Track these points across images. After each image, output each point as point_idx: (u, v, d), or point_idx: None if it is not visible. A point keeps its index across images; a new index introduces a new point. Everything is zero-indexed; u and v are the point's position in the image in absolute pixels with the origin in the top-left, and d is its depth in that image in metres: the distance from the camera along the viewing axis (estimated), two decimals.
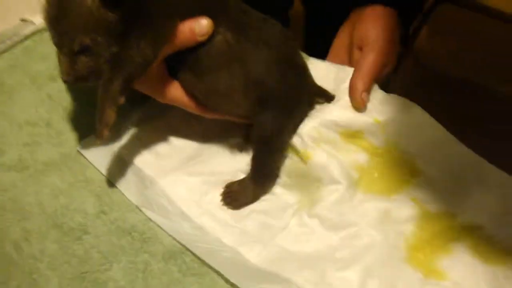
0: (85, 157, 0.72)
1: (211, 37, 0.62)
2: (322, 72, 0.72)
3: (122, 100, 0.59)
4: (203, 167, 0.71)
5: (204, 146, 0.73)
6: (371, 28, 0.74)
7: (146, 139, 0.74)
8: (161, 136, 0.74)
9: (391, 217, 0.66)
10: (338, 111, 0.69)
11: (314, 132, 0.68)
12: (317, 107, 0.71)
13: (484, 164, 0.69)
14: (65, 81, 0.60)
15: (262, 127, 0.66)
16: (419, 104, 0.71)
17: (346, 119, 0.68)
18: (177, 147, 0.73)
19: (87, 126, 0.76)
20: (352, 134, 0.69)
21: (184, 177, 0.69)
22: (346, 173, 0.68)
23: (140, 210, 0.67)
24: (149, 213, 0.66)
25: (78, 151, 0.73)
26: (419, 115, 0.70)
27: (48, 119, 0.78)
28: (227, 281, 0.60)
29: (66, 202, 0.68)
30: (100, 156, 0.72)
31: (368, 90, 0.69)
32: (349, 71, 0.71)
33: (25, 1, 1.04)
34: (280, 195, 0.69)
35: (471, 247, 0.63)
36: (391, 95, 0.72)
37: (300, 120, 0.69)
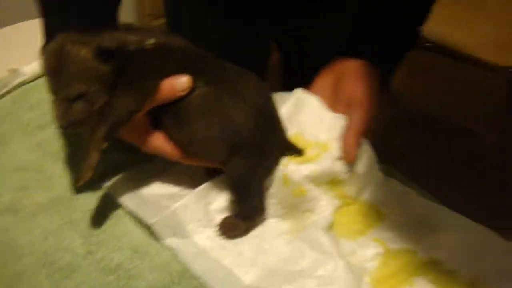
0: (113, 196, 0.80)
1: (191, 91, 0.70)
2: (317, 111, 0.81)
3: (104, 145, 0.67)
4: (207, 199, 0.78)
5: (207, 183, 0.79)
6: (359, 87, 0.81)
7: (164, 179, 0.83)
8: (177, 177, 0.83)
9: (357, 255, 0.74)
10: (332, 160, 0.76)
11: (311, 173, 0.75)
12: (311, 151, 0.77)
13: (445, 211, 0.80)
14: (60, 126, 0.67)
15: (233, 169, 0.74)
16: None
17: (337, 169, 0.77)
18: (189, 186, 0.81)
19: (75, 172, 0.84)
20: (336, 182, 0.78)
21: (192, 206, 0.76)
22: (330, 210, 0.77)
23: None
24: (158, 230, 0.74)
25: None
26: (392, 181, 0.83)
27: (39, 166, 0.85)
28: None
29: (55, 242, 0.74)
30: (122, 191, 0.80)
31: (357, 146, 0.77)
32: (342, 119, 0.80)
33: (12, 52, 1.14)
34: (274, 223, 0.78)
35: (433, 280, 0.71)
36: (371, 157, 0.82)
37: (273, 165, 0.76)
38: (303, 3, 1.02)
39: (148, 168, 0.85)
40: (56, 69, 0.65)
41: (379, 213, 0.80)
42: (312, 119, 0.81)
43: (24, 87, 1.01)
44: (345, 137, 0.77)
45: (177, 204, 0.75)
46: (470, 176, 1.91)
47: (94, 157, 0.67)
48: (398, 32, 0.87)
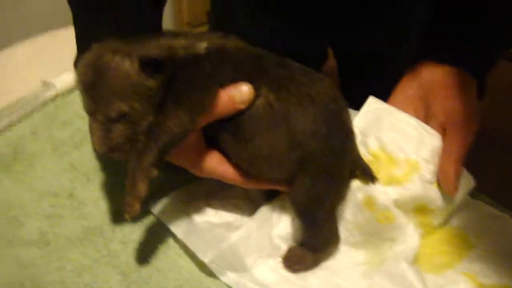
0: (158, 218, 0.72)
1: (252, 101, 0.61)
2: (403, 125, 0.69)
3: (155, 172, 0.57)
4: (270, 224, 0.70)
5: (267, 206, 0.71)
6: (457, 104, 0.69)
7: (216, 204, 0.74)
8: (230, 202, 0.74)
9: None
10: (424, 185, 0.66)
11: (400, 197, 0.65)
12: (398, 170, 0.67)
13: None
14: (99, 151, 0.58)
15: (298, 192, 0.64)
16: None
17: (430, 196, 0.67)
18: (245, 212, 0.73)
19: (112, 197, 0.75)
20: (424, 210, 0.68)
21: (254, 235, 0.68)
22: (416, 240, 0.67)
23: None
24: (213, 268, 0.65)
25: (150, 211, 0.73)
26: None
27: (71, 190, 0.77)
28: None
29: (90, 280, 0.65)
30: (171, 216, 0.72)
31: (459, 176, 0.67)
32: (435, 137, 0.69)
33: (47, 62, 1.06)
34: (347, 252, 0.68)
35: None
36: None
37: (343, 187, 0.66)
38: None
39: (198, 190, 0.76)
40: (93, 84, 0.56)
41: (467, 242, 0.70)
42: (398, 132, 0.69)
43: (56, 101, 0.93)
44: (443, 165, 0.67)
45: (236, 237, 0.67)
46: None
47: (142, 188, 0.57)
48: (497, 26, 0.73)
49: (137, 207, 0.57)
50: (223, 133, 0.63)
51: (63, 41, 1.12)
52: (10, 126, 0.87)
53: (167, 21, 2.53)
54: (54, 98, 0.94)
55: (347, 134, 0.66)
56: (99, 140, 0.57)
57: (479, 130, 0.69)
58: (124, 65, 0.55)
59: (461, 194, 0.69)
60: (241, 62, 0.61)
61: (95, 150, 0.58)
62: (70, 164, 0.81)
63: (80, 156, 0.82)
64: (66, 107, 0.92)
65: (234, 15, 1.01)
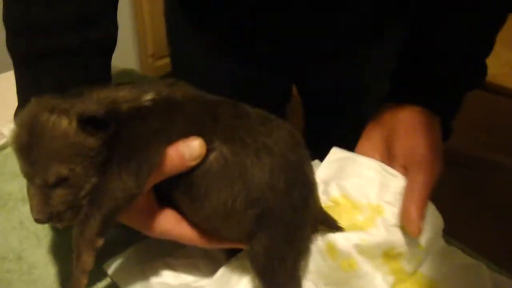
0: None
1: (205, 156, 0.56)
2: (365, 170, 0.66)
3: (100, 242, 0.52)
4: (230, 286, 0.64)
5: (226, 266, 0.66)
6: (417, 144, 0.66)
7: (174, 263, 0.68)
8: (189, 261, 0.69)
9: None
10: (387, 229, 0.62)
11: (362, 242, 0.61)
12: (360, 216, 0.63)
13: None
14: (36, 220, 0.52)
15: (256, 252, 0.59)
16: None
17: (394, 239, 0.62)
18: (204, 272, 0.68)
19: (63, 260, 0.70)
20: (392, 255, 0.63)
21: None
22: None
23: None
24: None
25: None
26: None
27: (20, 251, 0.71)
28: None
29: None
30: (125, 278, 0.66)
31: (423, 217, 0.62)
32: (398, 179, 0.65)
33: None
34: None
35: None
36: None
37: (305, 243, 0.61)
38: (330, 36, 0.87)
39: (155, 247, 0.70)
40: (29, 146, 0.51)
41: None
42: (360, 177, 0.65)
43: (5, 151, 0.87)
44: (405, 206, 0.62)
45: None
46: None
47: (88, 261, 0.52)
48: (461, 66, 0.71)
49: (83, 281, 0.52)
50: (175, 191, 0.58)
51: (12, 84, 1.06)
52: None
53: (131, 53, 2.49)
54: (3, 148, 0.88)
55: (308, 186, 0.61)
56: (37, 207, 0.52)
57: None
58: (61, 124, 0.51)
59: (429, 235, 0.65)
60: (190, 114, 0.57)
61: (33, 218, 0.52)
62: (19, 221, 0.75)
63: (29, 212, 0.76)
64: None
65: (190, 53, 0.97)
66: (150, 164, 0.53)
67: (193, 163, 0.55)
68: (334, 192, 0.64)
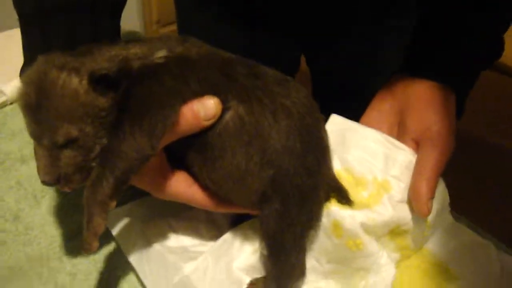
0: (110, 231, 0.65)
1: (220, 115, 0.54)
2: (369, 142, 0.63)
3: (113, 205, 0.50)
4: (230, 255, 0.63)
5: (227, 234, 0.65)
6: (432, 119, 0.63)
7: (175, 225, 0.67)
8: (192, 224, 0.68)
9: None
10: (394, 206, 0.60)
11: (368, 221, 0.59)
12: (365, 192, 0.61)
13: None
14: (43, 182, 0.50)
15: (268, 217, 0.57)
16: None
17: (401, 216, 0.60)
18: (205, 237, 0.67)
19: (61, 221, 0.68)
20: (398, 232, 0.61)
21: (210, 267, 0.61)
22: (391, 270, 0.61)
23: None
24: None
25: None
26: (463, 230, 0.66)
27: (17, 211, 0.69)
28: None
29: None
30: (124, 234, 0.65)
31: (433, 196, 0.60)
32: (406, 152, 0.63)
33: None
34: (314, 283, 0.61)
35: None
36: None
37: (317, 210, 0.59)
38: (339, 4, 0.85)
39: (158, 205, 0.69)
40: (37, 106, 0.48)
41: (449, 273, 0.63)
42: (364, 150, 0.63)
43: (5, 109, 0.85)
44: (415, 183, 0.60)
45: (190, 267, 0.59)
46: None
47: (100, 224, 0.50)
48: (480, 40, 0.68)
49: (94, 244, 0.50)
50: (189, 151, 0.56)
51: (17, 43, 1.04)
52: None
53: (135, 20, 2.45)
54: (2, 106, 0.86)
55: (323, 151, 0.60)
56: (45, 168, 0.50)
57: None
58: (72, 83, 0.48)
59: (436, 211, 0.63)
60: (205, 72, 0.54)
61: (40, 180, 0.50)
62: (16, 181, 0.73)
63: (28, 172, 0.75)
64: (16, 116, 0.85)
65: (199, 18, 0.94)
66: (164, 123, 0.51)
67: (208, 122, 0.53)
68: (336, 165, 0.62)
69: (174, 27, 1.02)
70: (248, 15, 0.88)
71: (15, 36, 1.07)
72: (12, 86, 0.87)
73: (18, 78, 0.86)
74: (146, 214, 0.68)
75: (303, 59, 1.03)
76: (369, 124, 0.66)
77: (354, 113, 0.69)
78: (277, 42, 0.91)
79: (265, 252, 0.59)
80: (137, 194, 0.68)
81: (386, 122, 0.68)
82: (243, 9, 0.88)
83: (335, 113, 0.67)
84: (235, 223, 0.65)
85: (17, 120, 0.83)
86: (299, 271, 0.60)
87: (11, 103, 0.86)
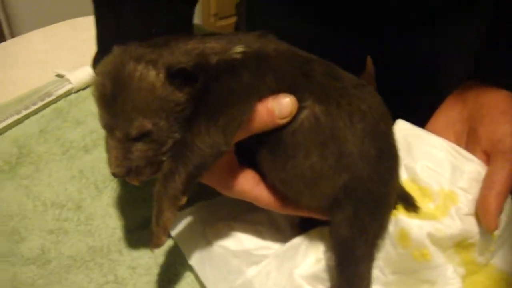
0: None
1: (296, 114, 0.52)
2: (436, 151, 0.61)
3: (184, 200, 0.49)
4: (293, 262, 0.61)
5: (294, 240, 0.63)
6: (506, 132, 0.60)
7: (237, 228, 0.66)
8: (254, 227, 0.66)
9: None
10: (462, 218, 0.58)
11: (436, 232, 0.57)
12: (431, 203, 0.58)
13: None
14: (114, 174, 0.50)
15: (340, 224, 0.56)
16: None
17: (468, 229, 0.58)
18: (268, 240, 0.66)
19: (122, 213, 0.68)
20: (464, 245, 0.59)
21: (273, 273, 0.60)
22: (458, 284, 0.59)
23: None
24: None
25: None
26: None
27: (79, 201, 0.70)
28: None
29: None
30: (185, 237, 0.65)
31: (501, 211, 0.58)
32: (473, 163, 0.60)
33: (62, 54, 0.99)
34: None
35: None
36: None
37: (388, 219, 0.58)
38: (413, 7, 0.82)
39: (218, 209, 0.68)
40: (113, 97, 0.48)
41: None
42: (431, 159, 0.60)
43: (70, 97, 0.86)
44: (484, 198, 0.58)
45: (253, 272, 0.58)
46: None
47: (170, 218, 0.49)
48: None
49: (163, 239, 0.50)
50: (259, 149, 0.55)
51: (83, 31, 1.05)
52: (17, 122, 0.80)
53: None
54: (67, 94, 0.87)
55: (395, 158, 0.58)
56: (116, 160, 0.49)
57: None
58: (149, 75, 0.48)
59: (504, 225, 0.60)
60: (283, 69, 0.53)
61: (111, 172, 0.50)
62: (79, 170, 0.74)
63: (91, 162, 0.75)
64: (80, 104, 0.85)
65: (266, 13, 0.92)
66: (239, 120, 0.50)
67: (283, 121, 0.52)
68: (403, 175, 0.60)
69: (231, 20, 1.01)
70: (318, 11, 0.86)
71: (79, 24, 1.09)
72: (77, 74, 0.88)
73: (83, 67, 0.88)
74: (206, 218, 0.67)
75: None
76: (435, 131, 0.64)
77: (418, 110, 0.67)
78: (344, 40, 0.89)
79: (333, 261, 0.58)
80: (196, 199, 0.68)
81: (453, 130, 0.65)
82: (313, 5, 0.86)
83: (398, 109, 0.64)
84: (301, 228, 0.63)
85: (82, 108, 0.84)
86: (367, 283, 0.58)
87: (76, 92, 0.87)
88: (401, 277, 0.59)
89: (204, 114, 0.49)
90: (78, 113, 0.83)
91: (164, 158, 0.50)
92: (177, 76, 0.48)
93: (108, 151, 0.50)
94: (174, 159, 0.49)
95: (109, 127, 0.49)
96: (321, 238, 0.62)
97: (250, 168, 0.57)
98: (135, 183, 0.52)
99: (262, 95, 0.51)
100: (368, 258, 0.57)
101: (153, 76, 0.48)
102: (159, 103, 0.48)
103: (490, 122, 0.62)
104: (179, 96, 0.48)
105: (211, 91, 0.49)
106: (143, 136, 0.48)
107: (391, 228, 0.58)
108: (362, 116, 0.54)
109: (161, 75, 0.48)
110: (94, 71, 0.51)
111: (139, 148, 0.49)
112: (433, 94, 0.71)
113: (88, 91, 0.87)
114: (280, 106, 0.51)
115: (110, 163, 0.50)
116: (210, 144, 0.49)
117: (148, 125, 0.48)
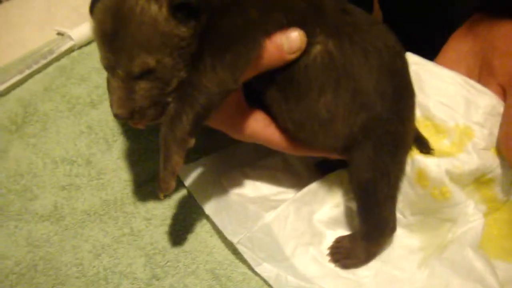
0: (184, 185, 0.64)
1: (307, 49, 0.50)
2: (448, 85, 0.58)
3: (192, 142, 0.48)
4: (311, 207, 0.61)
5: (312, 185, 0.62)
6: None
7: (252, 174, 0.65)
8: (269, 173, 0.65)
9: None
10: (479, 153, 0.56)
11: (454, 169, 0.55)
12: (447, 140, 0.57)
13: None
14: (116, 115, 0.48)
15: (361, 166, 0.54)
16: None
17: (486, 164, 0.57)
18: (284, 185, 0.64)
19: (134, 165, 0.67)
20: (483, 181, 0.58)
21: (291, 217, 0.59)
22: (480, 220, 0.57)
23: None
24: (245, 252, 0.57)
25: None
26: None
27: (88, 156, 0.68)
28: None
29: (110, 263, 0.58)
30: (200, 187, 0.63)
31: None
32: (488, 96, 0.58)
33: (63, 11, 0.97)
34: (399, 237, 0.59)
35: None
36: None
37: (405, 162, 0.56)
38: None
39: (232, 157, 0.67)
40: (113, 33, 0.46)
41: None
42: (444, 94, 0.58)
43: (72, 54, 0.84)
44: (507, 133, 0.56)
45: (271, 216, 0.57)
46: None
47: (177, 162, 0.47)
48: None
49: (172, 184, 0.48)
50: (269, 88, 0.53)
51: None
52: (21, 81, 0.79)
53: None
54: (70, 51, 0.85)
55: (412, 97, 0.56)
56: (118, 101, 0.47)
57: None
58: (151, 10, 0.45)
59: None
60: (291, 4, 0.50)
61: (113, 114, 0.48)
62: (87, 126, 0.72)
63: (98, 116, 0.73)
64: (84, 61, 0.83)
65: None
66: (247, 57, 0.47)
67: (292, 56, 0.50)
68: (416, 112, 0.58)
69: None
70: None
71: None
72: (78, 31, 0.85)
73: (84, 23, 0.85)
74: (220, 167, 0.66)
75: None
76: (445, 65, 0.61)
77: (427, 37, 0.65)
78: None
79: (354, 205, 0.57)
80: (207, 151, 0.67)
81: (465, 63, 0.62)
82: None
83: (405, 38, 0.62)
84: (318, 171, 0.62)
85: (85, 65, 0.82)
86: (392, 225, 0.57)
87: (78, 48, 0.85)
88: (422, 218, 0.59)
89: (209, 52, 0.47)
90: (82, 69, 0.81)
91: (169, 99, 0.48)
92: (180, 9, 0.45)
93: (110, 92, 0.48)
94: (180, 99, 0.47)
95: (111, 66, 0.47)
96: (339, 182, 0.61)
97: (259, 109, 0.55)
98: (140, 126, 0.50)
99: (270, 31, 0.49)
100: (391, 201, 0.56)
101: (156, 10, 0.45)
102: (162, 39, 0.45)
103: (505, 55, 0.59)
104: (183, 30, 0.46)
105: (218, 27, 0.47)
106: (146, 74, 0.46)
107: (408, 169, 0.56)
108: (378, 53, 0.51)
109: (164, 9, 0.45)
110: (93, 10, 0.49)
111: (142, 87, 0.47)
112: (442, 27, 0.68)
113: (91, 47, 0.85)
114: (288, 41, 0.49)
115: (112, 104, 0.47)
116: (217, 82, 0.46)
117: (151, 61, 0.46)
